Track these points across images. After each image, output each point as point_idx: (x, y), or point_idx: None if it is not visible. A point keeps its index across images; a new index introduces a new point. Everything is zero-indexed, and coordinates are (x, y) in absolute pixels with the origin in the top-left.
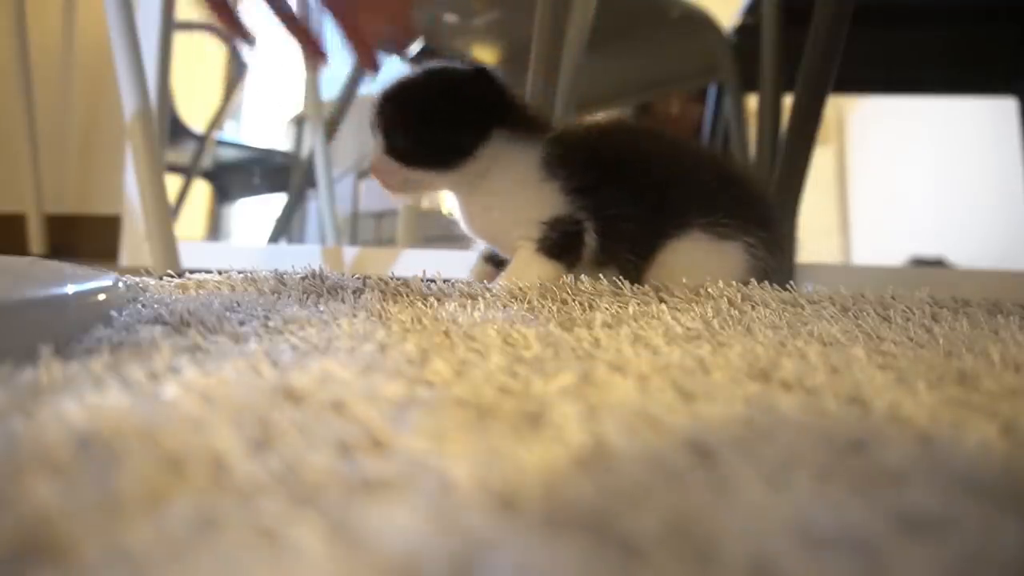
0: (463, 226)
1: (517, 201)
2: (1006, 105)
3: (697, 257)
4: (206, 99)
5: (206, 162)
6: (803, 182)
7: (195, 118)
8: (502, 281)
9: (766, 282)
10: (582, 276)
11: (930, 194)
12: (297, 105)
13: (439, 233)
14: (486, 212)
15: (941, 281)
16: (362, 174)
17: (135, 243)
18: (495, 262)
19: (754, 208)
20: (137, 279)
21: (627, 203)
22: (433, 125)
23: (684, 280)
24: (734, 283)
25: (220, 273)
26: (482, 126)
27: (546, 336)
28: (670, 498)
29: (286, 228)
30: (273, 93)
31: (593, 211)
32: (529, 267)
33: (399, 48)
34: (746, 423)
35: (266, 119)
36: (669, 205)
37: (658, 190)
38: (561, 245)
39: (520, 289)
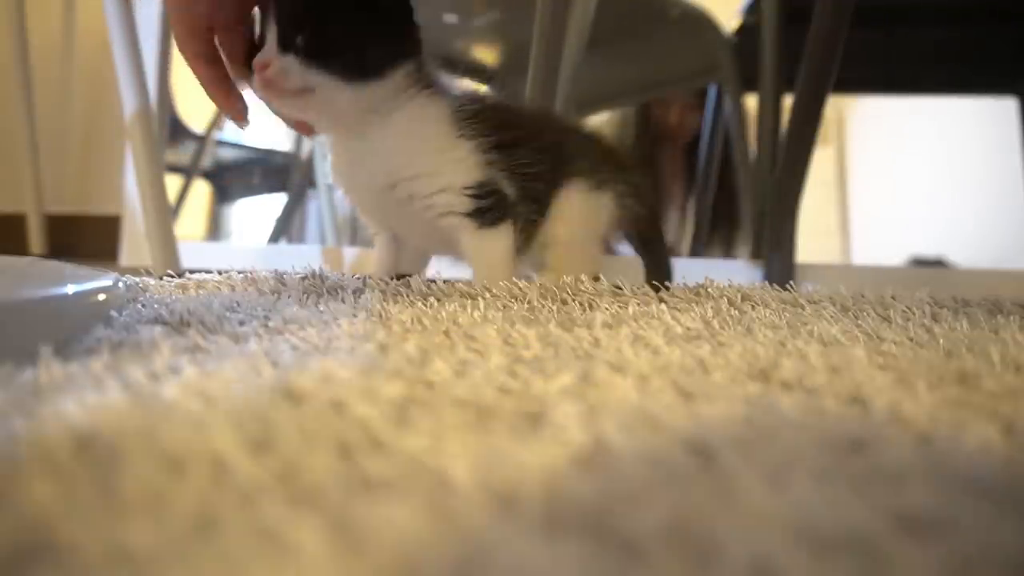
0: (349, 188)
1: (434, 161)
2: (1006, 105)
3: (577, 209)
4: (206, 99)
5: (206, 162)
6: (803, 182)
7: (195, 118)
8: (481, 276)
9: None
10: (582, 276)
11: (930, 194)
12: None
13: None
14: (394, 168)
15: (941, 281)
16: None
17: (135, 243)
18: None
19: (615, 161)
20: (137, 279)
21: (538, 163)
22: (346, 22)
23: (566, 231)
24: (734, 283)
25: (220, 273)
26: (396, 42)
27: (546, 336)
28: (670, 498)
29: (286, 228)
30: None
31: (510, 172)
32: (491, 248)
33: None
34: (746, 423)
35: (266, 119)
36: (558, 166)
37: (551, 152)
38: (497, 210)
39: (520, 289)
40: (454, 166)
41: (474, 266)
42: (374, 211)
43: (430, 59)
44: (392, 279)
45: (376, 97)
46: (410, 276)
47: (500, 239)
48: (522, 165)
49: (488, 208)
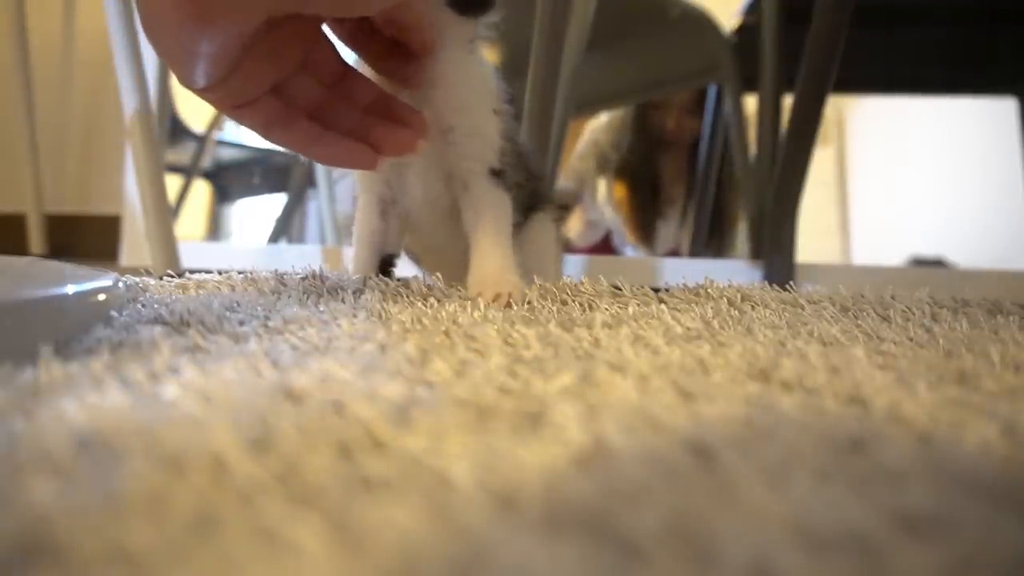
0: None
1: (482, 109)
2: (1006, 105)
3: (541, 231)
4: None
5: (206, 162)
6: (803, 182)
7: (195, 118)
8: (490, 220)
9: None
10: (582, 277)
11: (930, 194)
12: None
13: None
14: (449, 97)
15: (941, 281)
16: None
17: (135, 243)
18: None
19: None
20: (137, 279)
21: (535, 176)
22: None
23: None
24: (734, 283)
25: (220, 273)
26: None
27: (546, 336)
28: (670, 498)
29: (286, 228)
30: None
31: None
32: (501, 203)
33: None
34: (746, 423)
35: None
36: (539, 189)
37: (539, 177)
38: (507, 178)
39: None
40: (494, 125)
41: (483, 212)
42: None
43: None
44: (378, 258)
45: (450, 34)
46: (393, 255)
47: (507, 202)
48: (525, 170)
49: (503, 172)
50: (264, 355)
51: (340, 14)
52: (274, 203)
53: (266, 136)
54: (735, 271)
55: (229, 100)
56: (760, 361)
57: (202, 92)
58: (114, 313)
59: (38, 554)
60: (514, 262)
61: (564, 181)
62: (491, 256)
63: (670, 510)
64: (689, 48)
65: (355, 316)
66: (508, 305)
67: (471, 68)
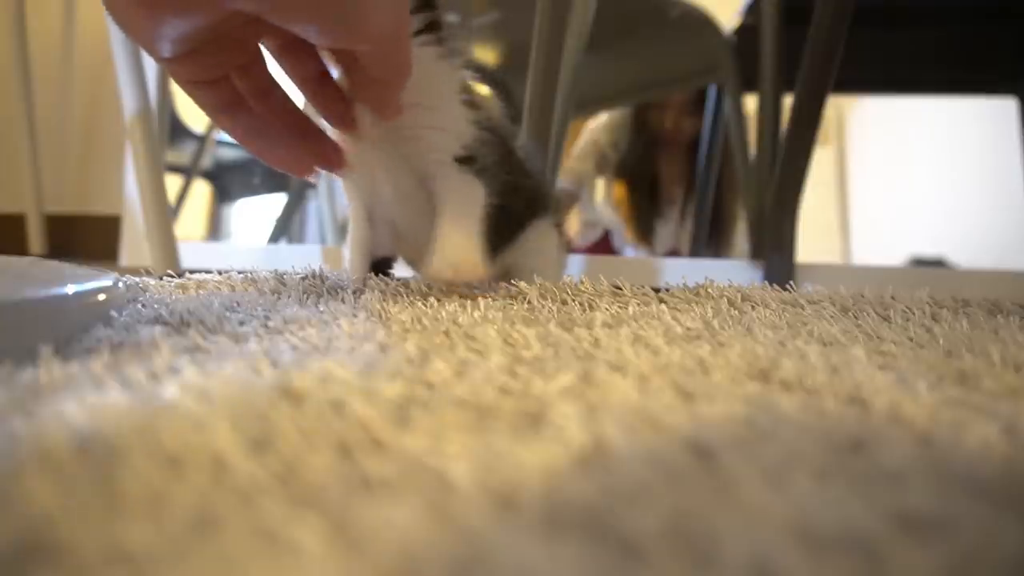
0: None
1: (440, 102)
2: (1006, 105)
3: (543, 237)
4: None
5: (206, 162)
6: (803, 182)
7: (195, 118)
8: (454, 212)
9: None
10: (582, 277)
11: (930, 194)
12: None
13: None
14: (408, 112)
15: (941, 281)
16: None
17: (135, 243)
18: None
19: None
20: (137, 279)
21: (523, 184)
22: None
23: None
24: (734, 283)
25: (220, 273)
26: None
27: (546, 336)
28: (670, 498)
29: (286, 228)
30: None
31: (499, 177)
32: (468, 190)
33: None
34: (746, 423)
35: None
36: (535, 198)
37: (534, 183)
38: (477, 165)
39: (520, 289)
40: (457, 116)
41: (448, 203)
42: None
43: (448, 20)
44: (368, 262)
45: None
46: (389, 258)
47: (477, 187)
48: (510, 177)
49: (471, 160)
50: (264, 355)
51: (335, 44)
52: (274, 203)
53: (213, 119)
54: (735, 271)
55: (187, 75)
56: (760, 361)
57: (163, 61)
58: (114, 313)
59: (38, 554)
60: (479, 244)
61: (563, 181)
62: (451, 236)
63: (670, 510)
64: (689, 48)
65: (355, 316)
66: (472, 297)
67: (427, 62)
